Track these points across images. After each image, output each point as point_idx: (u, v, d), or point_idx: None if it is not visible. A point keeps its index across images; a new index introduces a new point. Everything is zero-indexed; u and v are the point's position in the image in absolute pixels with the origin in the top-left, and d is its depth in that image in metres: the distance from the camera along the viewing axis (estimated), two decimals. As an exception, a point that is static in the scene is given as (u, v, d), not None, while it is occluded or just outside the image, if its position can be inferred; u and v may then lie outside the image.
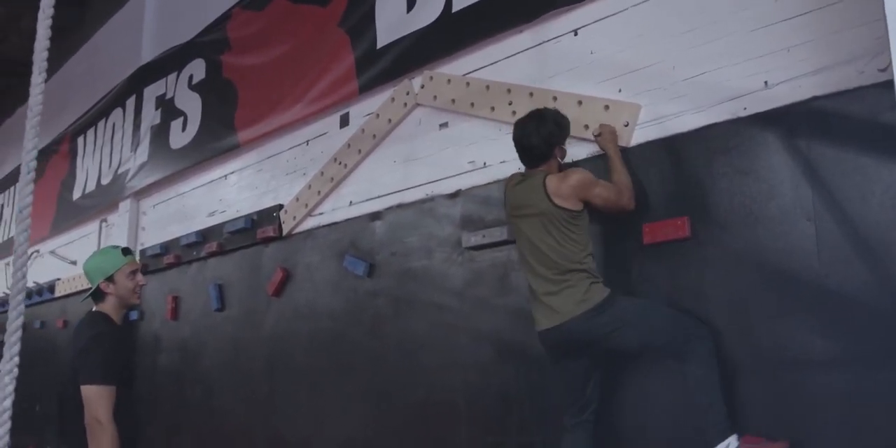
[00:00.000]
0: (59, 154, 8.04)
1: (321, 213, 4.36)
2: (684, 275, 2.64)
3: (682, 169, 2.70)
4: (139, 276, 2.96)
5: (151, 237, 6.11)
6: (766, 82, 2.52)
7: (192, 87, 5.70)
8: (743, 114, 2.56)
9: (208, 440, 4.99)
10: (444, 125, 3.66)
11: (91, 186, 7.17)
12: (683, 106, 2.73)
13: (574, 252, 2.63)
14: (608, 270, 2.81)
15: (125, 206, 6.44)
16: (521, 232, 2.77)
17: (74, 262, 7.25)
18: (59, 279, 7.43)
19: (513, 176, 2.92)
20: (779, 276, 2.41)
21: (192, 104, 5.66)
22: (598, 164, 2.89)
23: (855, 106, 2.31)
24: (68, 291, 7.15)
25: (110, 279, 2.92)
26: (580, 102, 3.02)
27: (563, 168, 2.86)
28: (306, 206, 4.43)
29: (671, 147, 2.74)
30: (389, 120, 3.93)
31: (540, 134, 2.77)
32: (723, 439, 2.34)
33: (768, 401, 2.37)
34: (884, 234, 2.21)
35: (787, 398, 2.33)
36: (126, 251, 2.99)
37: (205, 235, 5.33)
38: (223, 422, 4.87)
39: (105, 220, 6.89)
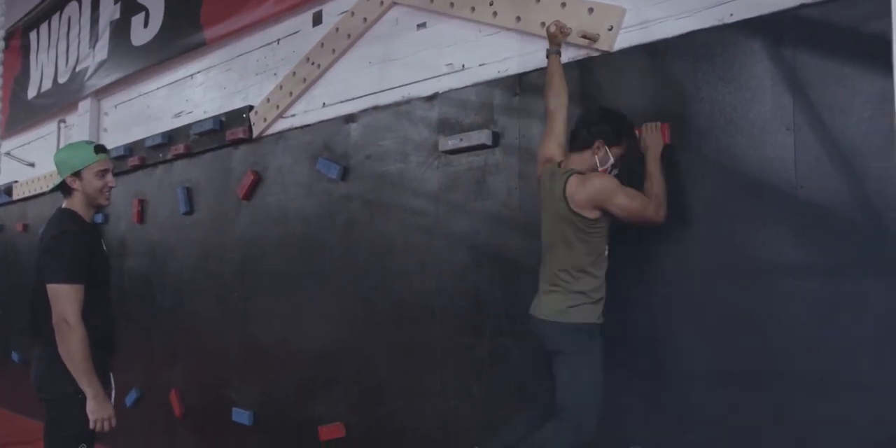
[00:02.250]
0: (9, 50, 7.68)
1: (293, 115, 4.28)
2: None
3: (664, 75, 2.69)
4: (109, 177, 2.88)
5: (114, 139, 5.94)
6: (754, -13, 2.48)
7: (153, -21, 5.42)
8: (729, 20, 2.53)
9: (179, 344, 5.06)
10: (422, 25, 3.57)
11: (47, 85, 6.89)
12: (669, 11, 2.69)
13: (579, 258, 2.59)
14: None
15: (85, 106, 6.23)
16: (545, 222, 2.71)
17: (32, 164, 7.08)
18: (16, 182, 7.25)
19: (550, 165, 2.75)
20: (755, 184, 2.45)
21: (153, -2, 5.40)
22: (572, 71, 2.86)
23: (843, 14, 2.29)
24: (26, 194, 6.99)
25: (77, 175, 2.84)
26: (564, 4, 2.95)
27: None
28: (277, 107, 4.34)
29: (655, 52, 2.71)
30: (365, 19, 3.81)
31: (588, 123, 2.66)
32: None
33: (740, 304, 2.46)
34: (861, 145, 2.25)
35: (758, 303, 2.42)
36: (99, 148, 2.89)
37: (171, 137, 5.21)
38: (194, 325, 4.92)
39: (63, 121, 6.67)
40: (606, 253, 2.62)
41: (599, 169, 2.64)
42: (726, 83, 2.53)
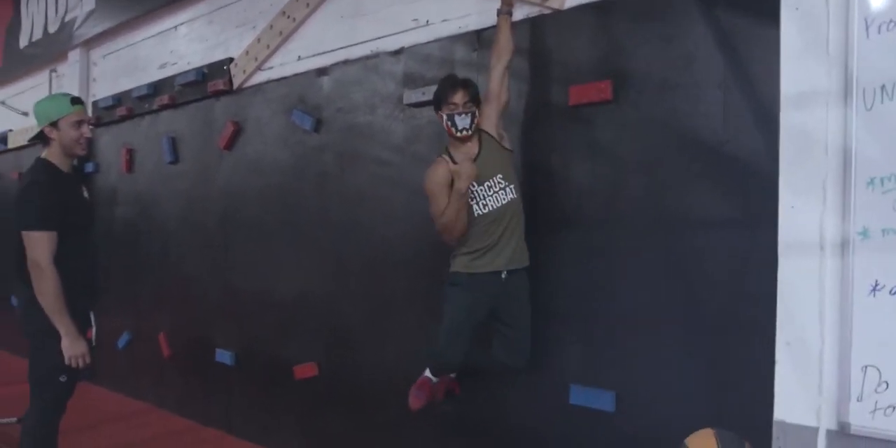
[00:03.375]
0: (0, -1, 7.72)
1: (270, 68, 4.39)
2: (603, 136, 2.81)
3: (609, 34, 2.80)
4: (84, 128, 3.03)
5: (103, 89, 6.07)
6: (695, -51, 2.57)
7: (137, -71, 5.45)
8: (670, -19, 2.63)
9: (166, 290, 5.27)
10: (390, -20, 3.66)
11: (38, 34, 6.96)
12: (618, -30, 2.79)
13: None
14: (534, 131, 2.99)
15: (74, 55, 6.33)
16: None
17: (26, 114, 7.19)
18: (10, 130, 7.38)
19: None
20: (688, 140, 2.59)
21: (139, -52, 5.44)
22: (524, 28, 2.99)
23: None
24: (21, 143, 7.13)
25: (54, 125, 2.99)
26: (520, -37, 3.04)
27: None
28: (256, 59, 4.45)
29: (602, 11, 2.82)
30: (337, -26, 3.90)
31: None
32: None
33: (668, 254, 2.63)
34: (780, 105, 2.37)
35: (684, 250, 2.59)
36: (75, 100, 3.04)
37: (156, 88, 5.33)
38: (179, 271, 5.13)
39: (55, 71, 6.77)
40: (480, 211, 2.81)
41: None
42: (665, 42, 2.64)
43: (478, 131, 2.83)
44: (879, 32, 1.57)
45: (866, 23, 1.59)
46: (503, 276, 2.83)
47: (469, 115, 2.78)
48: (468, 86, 2.82)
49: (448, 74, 2.96)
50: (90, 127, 3.10)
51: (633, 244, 2.72)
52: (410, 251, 3.52)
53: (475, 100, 2.81)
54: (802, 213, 1.74)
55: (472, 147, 2.85)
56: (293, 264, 4.19)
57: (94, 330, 3.19)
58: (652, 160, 2.68)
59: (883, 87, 1.57)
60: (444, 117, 2.81)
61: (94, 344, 3.20)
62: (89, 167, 6.05)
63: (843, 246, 1.67)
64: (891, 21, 1.56)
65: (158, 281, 5.36)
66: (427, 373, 3.02)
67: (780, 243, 1.81)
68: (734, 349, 2.40)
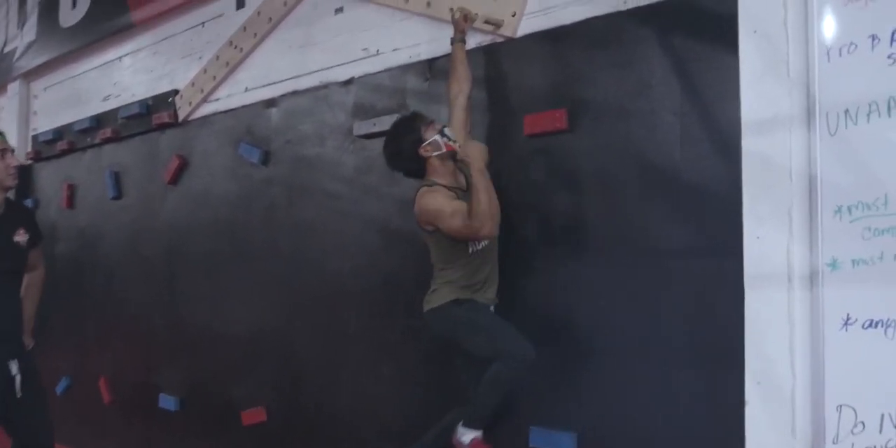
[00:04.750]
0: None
1: (217, 99, 4.26)
2: (561, 165, 2.73)
3: (564, 61, 2.73)
4: (9, 158, 2.91)
5: (44, 122, 5.85)
6: (648, -25, 2.53)
7: (80, -41, 5.32)
8: (623, 7, 2.57)
9: (109, 330, 5.02)
10: (339, 10, 3.57)
11: (-23, 66, 6.73)
12: (569, -3, 2.73)
13: (437, 256, 2.71)
14: (491, 162, 2.88)
15: (14, 88, 6.10)
16: None
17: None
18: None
19: None
20: (644, 167, 2.51)
21: (81, -22, 5.30)
22: (477, 57, 2.90)
23: (726, 4, 2.32)
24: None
25: (-21, 158, 2.84)
26: (471, -10, 2.98)
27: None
28: (202, 91, 4.31)
29: (555, 38, 2.75)
30: (285, 2, 3.80)
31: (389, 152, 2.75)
32: (470, 427, 2.60)
33: (631, 281, 2.53)
34: (738, 131, 2.30)
35: (648, 279, 2.49)
36: None
37: (99, 121, 5.14)
38: (124, 311, 4.89)
39: (-6, 103, 6.54)
40: (474, 248, 2.64)
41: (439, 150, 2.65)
42: (619, 68, 2.58)
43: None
44: (840, 55, 1.51)
45: (827, 46, 1.53)
46: (491, 309, 2.73)
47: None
48: None
49: (404, 114, 2.85)
50: (14, 155, 2.95)
51: (594, 276, 2.61)
52: (362, 285, 3.38)
53: None
54: (768, 243, 1.66)
55: (459, 177, 2.74)
56: (241, 301, 4.01)
57: (17, 380, 2.97)
58: (610, 189, 2.60)
59: (847, 111, 1.50)
60: (438, 137, 2.63)
61: (19, 395, 2.98)
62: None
63: (812, 277, 1.59)
64: (851, 43, 1.50)
65: (101, 321, 5.11)
66: (466, 434, 2.62)
67: (745, 275, 1.72)
68: (703, 386, 2.29)
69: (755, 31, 1.66)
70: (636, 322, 2.50)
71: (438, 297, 2.70)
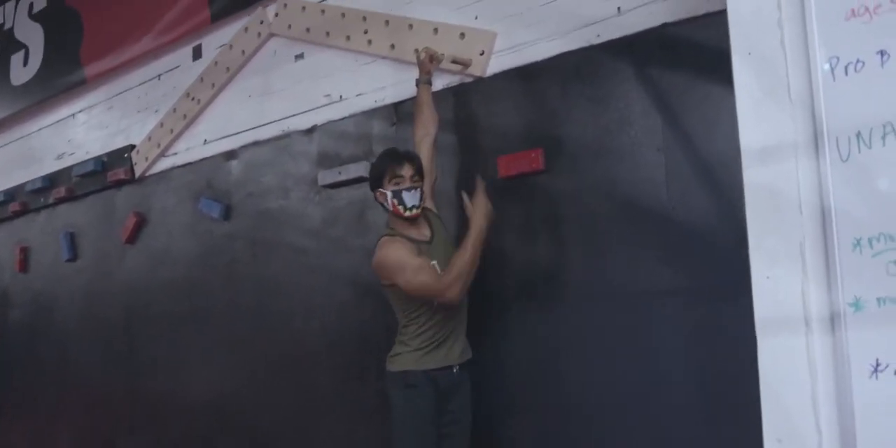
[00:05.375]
0: None
1: (175, 153, 4.07)
2: (539, 207, 2.57)
3: (536, 99, 2.60)
4: None
5: (-5, 184, 5.61)
6: (619, 8, 2.42)
7: (32, 16, 5.17)
8: (596, 41, 2.46)
9: (66, 401, 4.71)
10: (299, 56, 3.43)
11: (-74, 128, 6.49)
12: (539, 33, 2.62)
13: (399, 312, 2.50)
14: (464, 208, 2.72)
15: (-36, 149, 5.87)
16: None
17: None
18: None
19: None
20: (629, 207, 2.36)
21: (33, 35, 5.13)
22: (446, 98, 2.77)
23: (704, 33, 2.24)
24: None
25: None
26: (436, 30, 2.86)
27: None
28: (159, 145, 4.12)
29: (526, 76, 2.63)
30: (243, 51, 3.66)
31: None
32: None
33: (620, 330, 2.35)
34: (729, 164, 2.17)
35: (638, 327, 2.32)
36: None
37: (52, 180, 4.92)
38: (82, 377, 4.60)
39: (-56, 166, 6.27)
40: (418, 323, 2.45)
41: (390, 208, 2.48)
42: (596, 104, 2.45)
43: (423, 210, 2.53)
44: (847, 74, 1.39)
45: (831, 64, 1.41)
46: (455, 370, 2.48)
47: (417, 190, 2.46)
48: (413, 158, 2.51)
49: (387, 149, 2.62)
50: None
51: (579, 329, 2.43)
52: (331, 344, 3.16)
53: (420, 174, 2.50)
54: (780, 284, 1.49)
55: (423, 228, 2.53)
56: (205, 364, 3.76)
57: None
58: (593, 232, 2.44)
59: (858, 134, 1.36)
60: (389, 195, 2.45)
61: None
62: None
63: (833, 320, 1.42)
64: (858, 61, 1.38)
65: (56, 391, 4.79)
66: None
67: (756, 320, 1.55)
68: (713, 445, 2.09)
69: (750, 54, 1.53)
70: (630, 378, 2.31)
71: (395, 362, 2.49)
